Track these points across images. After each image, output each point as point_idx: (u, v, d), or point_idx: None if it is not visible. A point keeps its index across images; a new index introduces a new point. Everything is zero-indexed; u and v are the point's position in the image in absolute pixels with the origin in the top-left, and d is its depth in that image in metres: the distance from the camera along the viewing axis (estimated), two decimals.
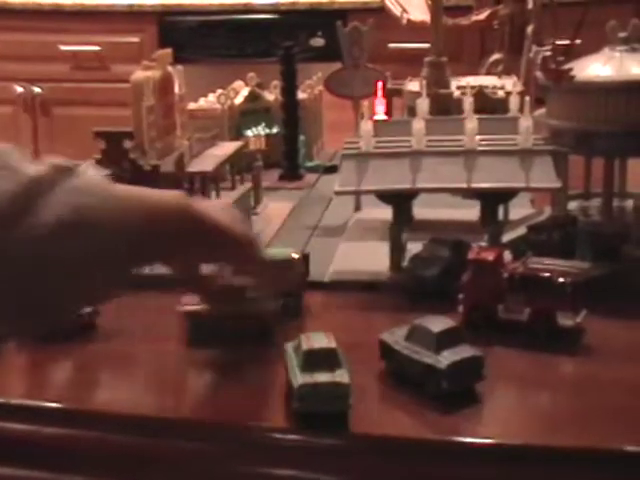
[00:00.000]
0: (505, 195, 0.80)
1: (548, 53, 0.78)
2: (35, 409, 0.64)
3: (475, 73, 1.38)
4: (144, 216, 0.59)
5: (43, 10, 2.71)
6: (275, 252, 0.81)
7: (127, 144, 0.86)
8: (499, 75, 1.25)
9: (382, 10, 1.90)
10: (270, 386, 0.64)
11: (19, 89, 2.71)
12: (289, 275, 0.76)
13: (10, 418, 0.64)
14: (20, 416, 0.64)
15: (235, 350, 0.70)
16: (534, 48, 0.98)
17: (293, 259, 0.77)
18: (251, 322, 0.71)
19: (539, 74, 0.82)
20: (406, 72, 1.27)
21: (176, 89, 0.95)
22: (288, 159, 1.18)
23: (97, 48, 2.67)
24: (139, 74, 0.89)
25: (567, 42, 0.92)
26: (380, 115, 0.99)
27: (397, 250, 0.82)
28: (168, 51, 0.93)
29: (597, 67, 0.80)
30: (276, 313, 0.72)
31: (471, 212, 0.85)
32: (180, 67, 0.97)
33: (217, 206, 0.68)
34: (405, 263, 0.81)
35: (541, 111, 0.84)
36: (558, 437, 0.57)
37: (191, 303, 0.72)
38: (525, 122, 0.79)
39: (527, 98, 0.80)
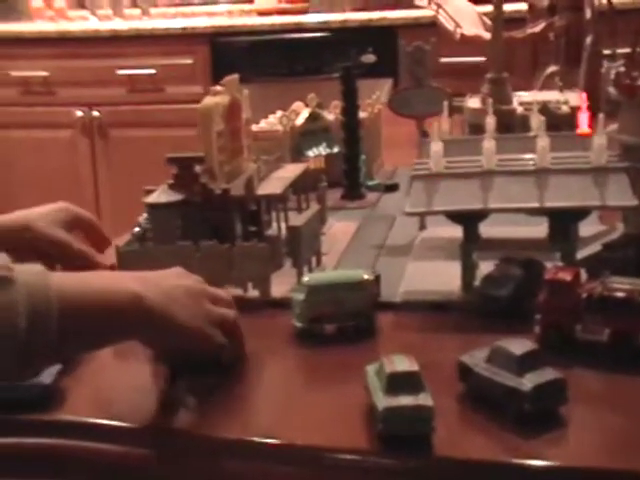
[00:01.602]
0: (578, 214, 0.80)
1: (622, 68, 0.77)
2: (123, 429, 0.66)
3: (528, 87, 1.37)
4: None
5: (101, 36, 2.78)
6: (346, 273, 0.82)
7: (197, 169, 0.88)
8: (560, 89, 1.24)
9: (433, 25, 1.90)
10: (350, 408, 0.64)
11: (79, 113, 2.79)
12: (361, 296, 0.77)
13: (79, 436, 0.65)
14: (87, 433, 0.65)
15: (312, 372, 0.71)
16: (605, 63, 0.97)
17: (365, 280, 0.77)
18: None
19: (611, 89, 0.81)
20: (457, 86, 1.27)
21: (243, 113, 0.97)
22: (350, 178, 1.19)
23: (152, 71, 2.73)
24: (208, 100, 0.91)
25: (628, 51, 0.91)
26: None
27: (469, 270, 0.81)
28: (235, 77, 0.95)
29: None
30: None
31: (537, 229, 0.84)
32: (246, 91, 0.98)
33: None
34: (477, 282, 0.81)
35: (613, 127, 0.83)
36: (638, 461, 0.57)
37: None
38: (598, 139, 0.78)
39: (600, 114, 0.79)
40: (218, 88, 0.91)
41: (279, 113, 1.25)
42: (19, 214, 0.88)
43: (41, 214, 0.88)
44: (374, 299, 0.79)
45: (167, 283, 0.70)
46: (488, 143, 0.81)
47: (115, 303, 0.65)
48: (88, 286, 0.66)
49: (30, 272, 0.63)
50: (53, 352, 0.62)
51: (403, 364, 0.60)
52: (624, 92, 0.78)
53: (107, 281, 0.68)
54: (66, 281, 0.65)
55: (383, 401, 0.58)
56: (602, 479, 0.57)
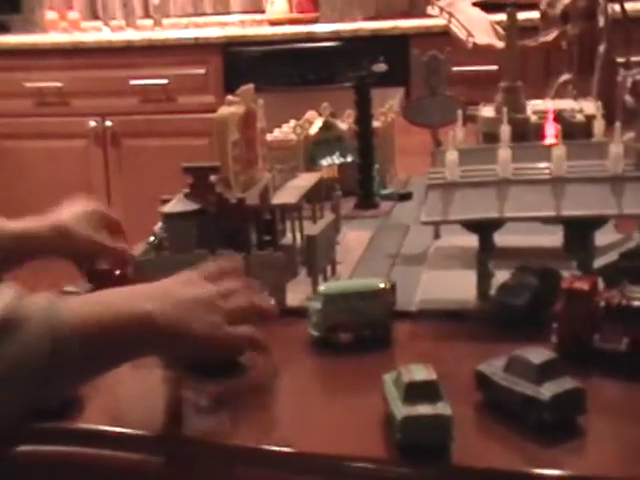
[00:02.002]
0: (595, 222, 0.79)
1: (638, 77, 0.77)
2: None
3: (540, 95, 1.37)
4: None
5: (114, 47, 2.80)
6: (362, 282, 0.82)
7: (213, 178, 0.88)
8: (575, 97, 1.24)
9: (444, 34, 1.90)
10: (368, 417, 0.64)
11: (92, 123, 2.81)
12: (377, 305, 0.77)
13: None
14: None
15: (328, 381, 0.71)
16: (622, 71, 0.97)
17: (381, 289, 0.77)
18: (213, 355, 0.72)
19: (628, 98, 0.81)
20: (470, 95, 1.27)
21: (258, 123, 0.97)
22: (363, 187, 1.19)
23: (165, 81, 2.74)
24: (223, 109, 0.91)
25: None
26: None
27: (484, 278, 0.81)
28: (250, 86, 0.95)
29: None
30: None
31: (552, 238, 0.84)
32: (261, 101, 0.99)
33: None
34: (492, 291, 0.81)
35: (630, 135, 0.83)
36: None
37: None
38: (615, 147, 0.78)
39: (617, 123, 0.79)
40: (233, 98, 0.92)
41: (293, 122, 1.26)
42: (53, 218, 0.91)
43: (77, 217, 0.92)
44: (390, 308, 0.79)
45: (179, 295, 0.70)
46: (504, 152, 0.81)
47: (129, 326, 0.66)
48: (104, 309, 0.67)
49: (41, 306, 0.64)
50: (75, 377, 0.65)
51: (421, 373, 0.60)
52: None
53: (121, 302, 0.69)
54: (80, 307, 0.67)
55: (402, 410, 0.58)
56: None
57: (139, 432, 0.66)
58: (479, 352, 0.71)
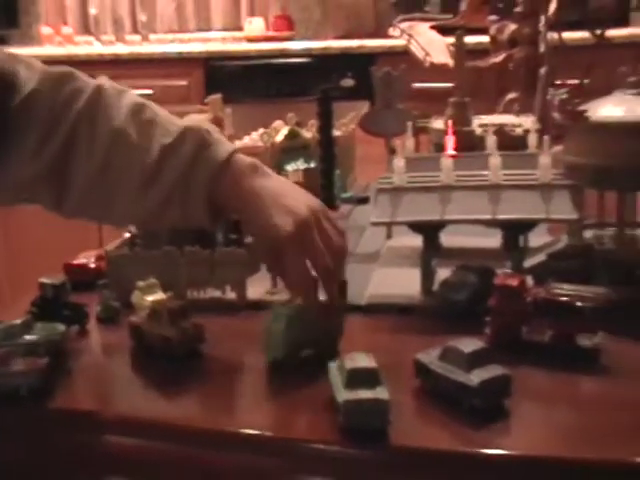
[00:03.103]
0: (527, 225, 0.80)
1: (565, 95, 0.78)
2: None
3: (492, 111, 1.38)
4: None
5: (104, 60, 2.77)
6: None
7: None
8: (517, 114, 1.25)
9: (406, 53, 1.91)
10: (318, 402, 0.64)
11: None
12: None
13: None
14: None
15: (283, 369, 0.71)
16: (551, 91, 0.98)
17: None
18: (178, 344, 0.71)
19: (557, 114, 0.81)
20: (429, 110, 1.27)
21: (225, 130, 0.97)
22: (325, 191, 1.18)
23: (150, 91, 2.72)
24: (193, 117, 0.91)
25: (577, 82, 0.92)
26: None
27: (428, 276, 0.82)
28: (218, 96, 0.95)
29: (610, 108, 0.80)
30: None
31: (494, 240, 0.84)
32: (229, 110, 0.98)
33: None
34: (435, 288, 0.81)
35: (558, 148, 0.84)
36: (579, 449, 0.57)
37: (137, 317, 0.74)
38: (545, 159, 0.79)
39: (546, 137, 0.79)
40: (202, 106, 0.91)
41: (261, 130, 1.25)
42: None
43: None
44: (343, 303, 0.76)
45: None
46: (446, 160, 0.81)
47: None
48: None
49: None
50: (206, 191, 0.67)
51: (363, 361, 0.60)
52: (568, 117, 0.79)
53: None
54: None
55: (344, 395, 0.58)
56: (545, 466, 0.57)
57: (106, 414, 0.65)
58: (422, 343, 0.71)
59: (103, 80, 0.74)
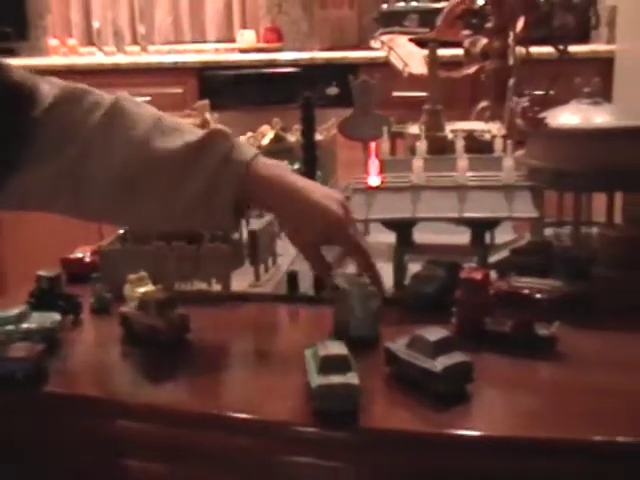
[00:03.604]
0: (491, 223, 0.80)
1: (526, 104, 0.78)
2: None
3: (466, 118, 1.38)
4: None
5: (105, 69, 2.76)
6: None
7: None
8: (486, 121, 1.25)
9: (386, 64, 1.91)
10: (294, 387, 0.64)
11: None
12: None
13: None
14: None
15: (265, 357, 0.71)
16: (515, 99, 0.98)
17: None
18: (165, 333, 0.70)
19: (519, 121, 0.82)
20: (409, 116, 1.28)
21: None
22: None
23: (147, 98, 2.70)
24: (182, 121, 0.90)
25: (543, 93, 0.92)
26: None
27: (400, 270, 0.82)
28: (205, 102, 0.95)
29: (567, 116, 0.80)
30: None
31: (463, 237, 0.84)
32: (216, 114, 0.98)
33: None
34: (407, 281, 0.81)
35: (521, 152, 0.84)
36: (536, 430, 0.57)
37: (128, 308, 0.73)
38: (508, 162, 0.79)
39: (509, 141, 0.80)
40: (190, 111, 0.91)
41: (249, 134, 1.25)
42: None
43: None
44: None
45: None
46: (417, 162, 0.82)
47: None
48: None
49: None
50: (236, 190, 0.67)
51: (335, 348, 0.60)
52: (529, 124, 0.79)
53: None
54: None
55: (317, 380, 0.58)
56: (504, 446, 0.57)
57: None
58: (393, 332, 0.71)
59: (122, 93, 0.73)
